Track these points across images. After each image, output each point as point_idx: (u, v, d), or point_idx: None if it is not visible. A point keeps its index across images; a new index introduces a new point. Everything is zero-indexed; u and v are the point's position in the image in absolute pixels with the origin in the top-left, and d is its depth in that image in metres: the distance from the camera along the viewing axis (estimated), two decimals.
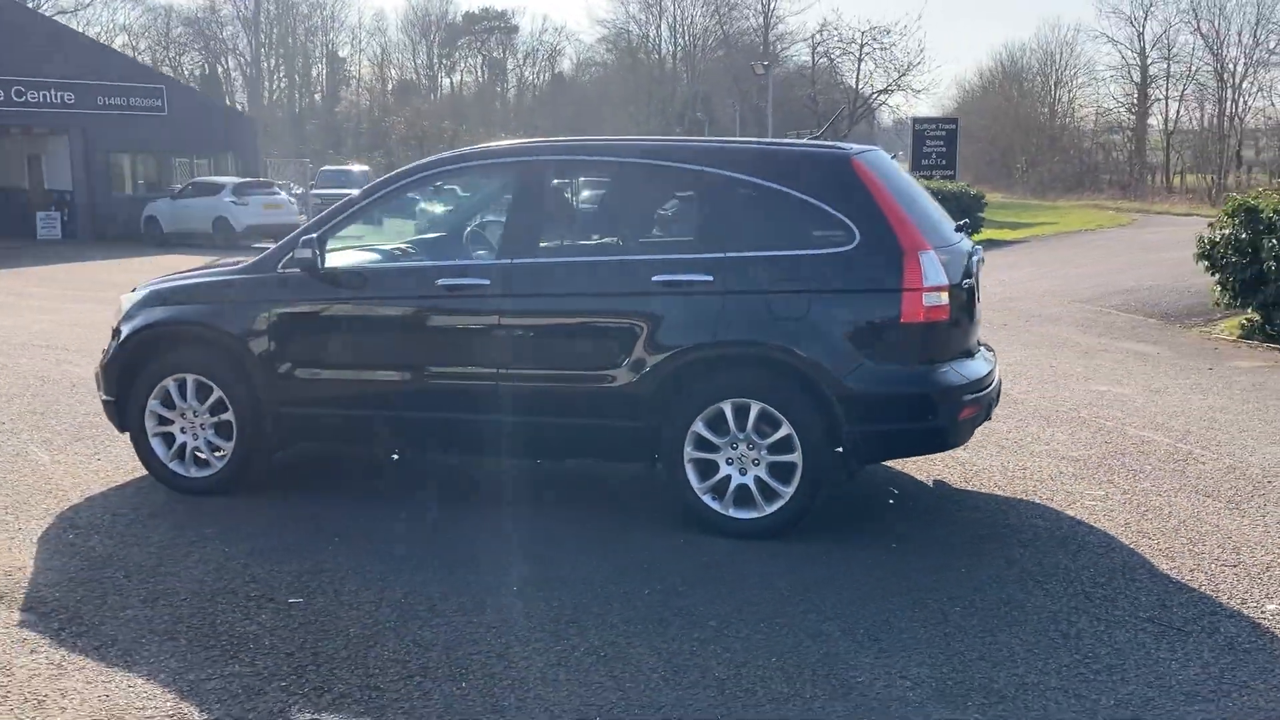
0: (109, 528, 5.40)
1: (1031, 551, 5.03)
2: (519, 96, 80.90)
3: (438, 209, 7.08)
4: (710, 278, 5.13)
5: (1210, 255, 11.80)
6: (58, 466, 6.46)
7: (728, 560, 4.91)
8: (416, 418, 5.60)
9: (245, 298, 5.79)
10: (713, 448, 5.19)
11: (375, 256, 6.02)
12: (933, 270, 4.97)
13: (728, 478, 5.18)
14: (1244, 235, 11.25)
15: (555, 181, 5.60)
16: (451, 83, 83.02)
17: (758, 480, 5.14)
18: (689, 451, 5.21)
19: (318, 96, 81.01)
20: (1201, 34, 50.65)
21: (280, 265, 5.75)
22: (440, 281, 5.52)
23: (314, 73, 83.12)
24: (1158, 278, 16.30)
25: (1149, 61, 53.85)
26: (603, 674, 3.84)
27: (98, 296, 15.13)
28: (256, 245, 26.87)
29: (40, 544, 5.18)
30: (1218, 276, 11.81)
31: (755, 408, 5.09)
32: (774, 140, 6.60)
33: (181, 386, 5.86)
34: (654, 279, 5.21)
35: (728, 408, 5.13)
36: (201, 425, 5.87)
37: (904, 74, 49.04)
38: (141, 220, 28.01)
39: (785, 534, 5.14)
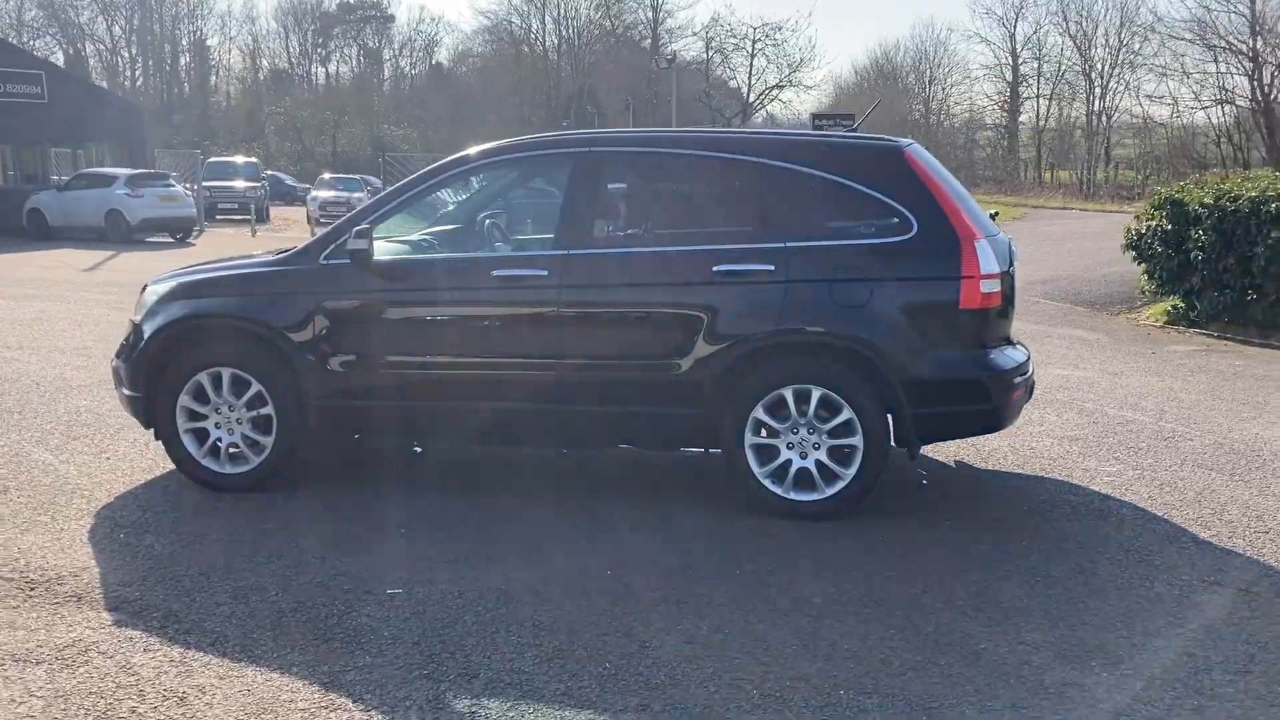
0: (158, 526, 5.27)
1: (1078, 525, 5.32)
2: (395, 87, 79.67)
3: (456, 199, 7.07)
4: (772, 267, 5.27)
5: (1137, 246, 12.45)
6: (67, 466, 6.25)
7: (800, 541, 5.06)
8: (471, 408, 5.60)
9: (288, 290, 5.70)
10: (773, 433, 5.33)
11: (403, 247, 5.98)
12: (986, 258, 5.21)
13: (788, 462, 5.33)
14: (1170, 227, 11.91)
15: (612, 172, 5.65)
16: (327, 73, 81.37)
17: (818, 464, 5.30)
18: (749, 437, 5.34)
19: (187, 86, 78.41)
20: (1070, 35, 52.94)
21: (324, 256, 5.69)
22: (496, 273, 5.53)
23: (182, 61, 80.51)
24: (1071, 268, 17.09)
25: (1020, 61, 56.13)
26: (737, 650, 3.95)
27: (7, 293, 14.51)
28: (151, 239, 26.05)
29: (93, 545, 5.03)
30: (1144, 266, 12.47)
31: (816, 393, 5.25)
32: (823, 132, 6.75)
33: (216, 380, 5.74)
34: (715, 269, 5.33)
35: (789, 394, 5.28)
36: (238, 420, 5.76)
37: (795, 70, 49.98)
38: (24, 213, 26.73)
39: (844, 515, 5.31)
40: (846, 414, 5.23)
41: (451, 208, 6.70)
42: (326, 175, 39.59)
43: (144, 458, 6.44)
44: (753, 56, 52.61)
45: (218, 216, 34.03)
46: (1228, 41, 40.05)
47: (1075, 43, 52.60)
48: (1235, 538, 5.14)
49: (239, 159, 41.08)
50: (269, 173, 44.35)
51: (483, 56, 75.26)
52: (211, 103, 75.04)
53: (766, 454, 5.36)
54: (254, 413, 5.73)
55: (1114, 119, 51.68)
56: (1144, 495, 5.77)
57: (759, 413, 5.31)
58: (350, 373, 5.64)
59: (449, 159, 5.85)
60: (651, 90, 52.51)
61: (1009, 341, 5.58)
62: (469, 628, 4.13)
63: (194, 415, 5.79)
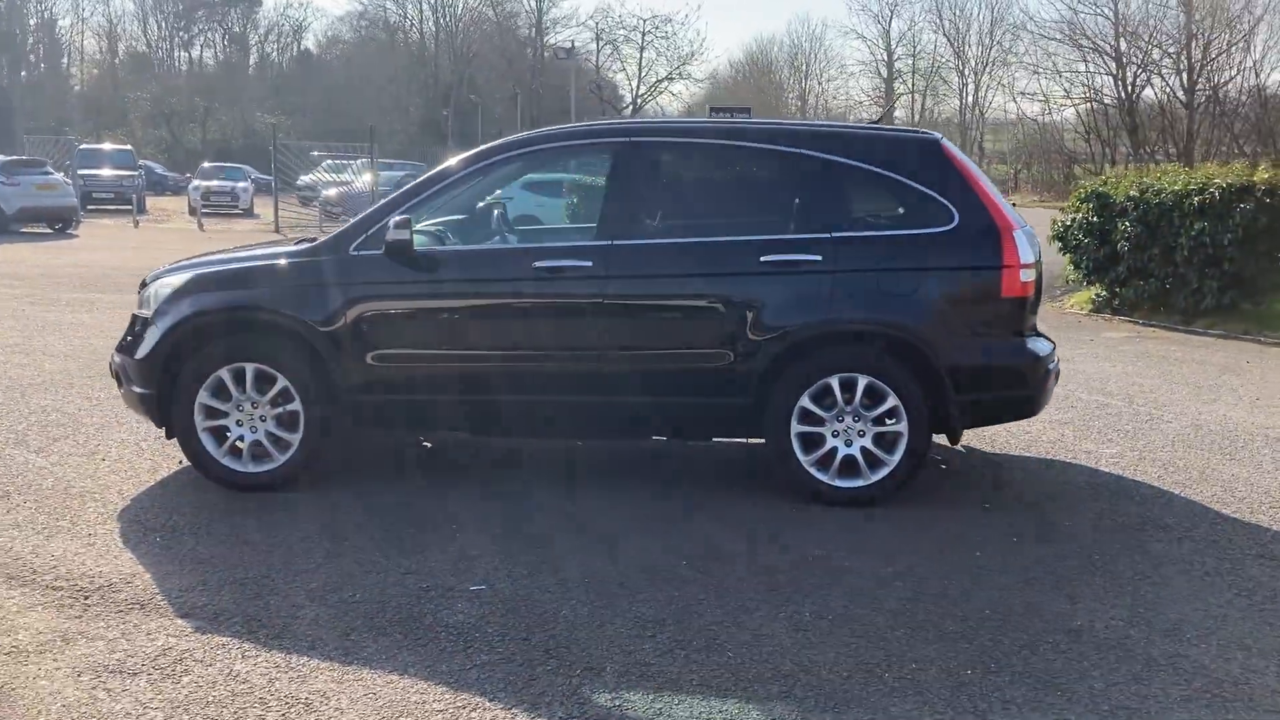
0: (192, 529, 5.05)
1: (1107, 505, 5.53)
2: (261, 74, 77.40)
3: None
4: (819, 257, 5.33)
5: (1063, 237, 12.96)
6: (62, 468, 5.93)
7: (851, 526, 5.13)
8: (511, 401, 5.52)
9: (317, 281, 5.52)
10: (819, 420, 5.40)
11: (423, 239, 5.85)
12: (1024, 248, 5.37)
13: (834, 449, 5.41)
14: (1095, 219, 12.43)
15: (653, 162, 5.63)
16: (190, 58, 78.55)
17: (864, 450, 5.39)
18: (796, 426, 5.39)
19: (42, 67, 74.69)
20: (945, 33, 54.66)
21: (354, 247, 5.53)
22: (538, 264, 5.46)
23: (29, 43, 76.64)
24: None
25: (895, 57, 57.68)
26: (847, 634, 3.99)
27: None
28: (27, 230, 24.80)
29: (132, 550, 4.79)
30: (1069, 256, 12.99)
31: (863, 381, 5.34)
32: (858, 124, 6.82)
33: (239, 376, 5.53)
34: (763, 259, 5.36)
35: (835, 382, 5.35)
36: (261, 417, 5.56)
37: (685, 62, 50.42)
38: None
39: (887, 501, 5.41)
40: (891, 401, 5.33)
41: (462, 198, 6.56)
42: (207, 164, 38.26)
43: (141, 458, 6.16)
44: (642, 49, 52.88)
45: (90, 207, 32.50)
46: (1094, 43, 41.96)
47: (949, 40, 54.38)
48: (1256, 513, 5.43)
49: (108, 146, 39.34)
50: (143, 162, 42.58)
51: (352, 44, 73.61)
52: (77, 91, 71.55)
53: (812, 442, 5.42)
54: (279, 409, 5.54)
55: (987, 114, 53.61)
56: (1153, 475, 6.04)
57: (805, 401, 5.37)
58: (386, 366, 5.50)
59: (485, 148, 5.74)
60: (538, 81, 52.21)
61: (1037, 331, 5.76)
62: (574, 621, 4.09)
63: (212, 413, 5.56)
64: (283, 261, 5.65)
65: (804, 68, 66.80)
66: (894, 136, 5.73)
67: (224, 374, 5.52)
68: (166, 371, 5.56)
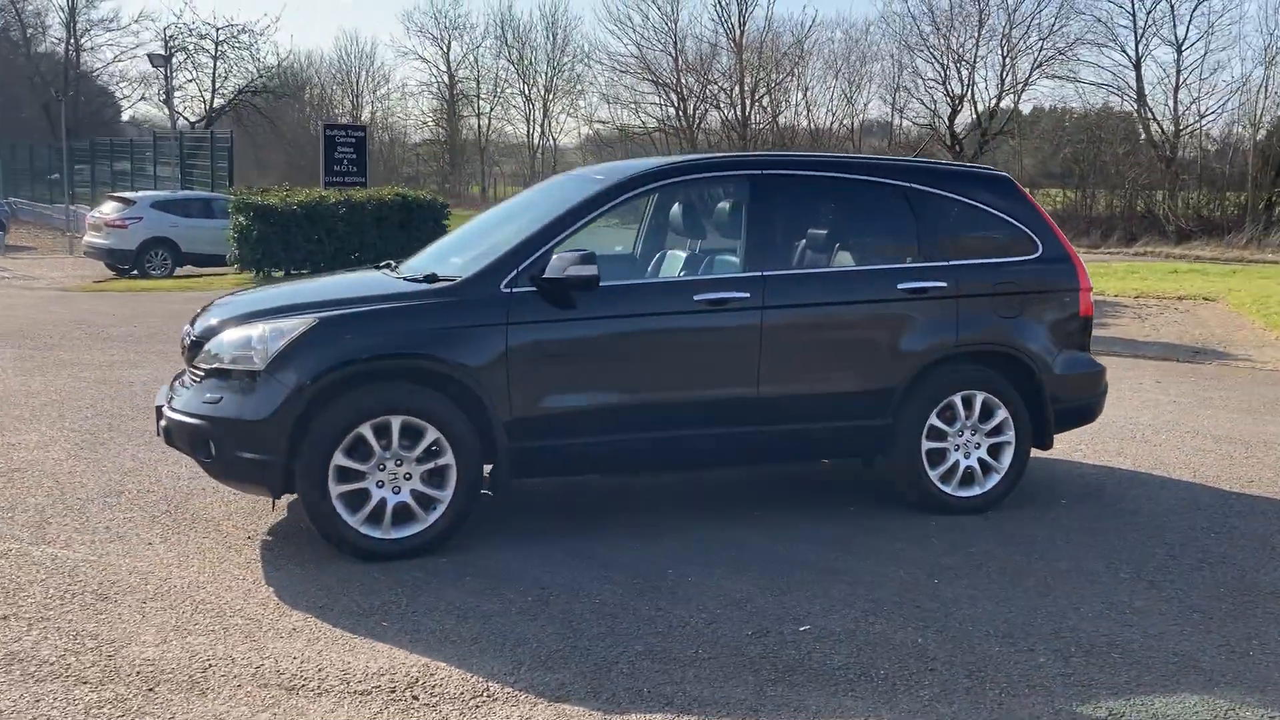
0: (411, 609, 4.48)
1: (1154, 493, 6.35)
2: None
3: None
4: (945, 284, 5.75)
5: None
6: (182, 566, 4.96)
7: (952, 532, 5.56)
8: (676, 436, 5.39)
9: (469, 322, 5.05)
10: (943, 436, 5.81)
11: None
12: (1087, 273, 6.13)
13: (956, 463, 5.84)
14: None
15: (790, 194, 5.70)
16: None
17: (980, 461, 5.88)
18: (925, 443, 5.76)
19: None
20: (510, 59, 56.09)
21: (505, 284, 5.12)
22: (699, 296, 5.38)
23: None
24: None
25: (458, 80, 58.19)
26: (1060, 633, 4.44)
27: None
28: None
29: (388, 640, 4.19)
30: None
31: (980, 397, 5.83)
32: (948, 161, 7.10)
33: (382, 431, 4.93)
34: (900, 286, 5.68)
35: (958, 399, 5.80)
36: (407, 475, 4.99)
37: (268, 76, 47.96)
38: None
39: (992, 508, 5.92)
40: (1002, 414, 5.86)
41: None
42: None
43: (226, 534, 5.30)
44: (216, 58, 49.45)
45: None
46: (656, 76, 45.31)
47: (516, 67, 55.89)
48: None
49: None
50: None
51: None
52: None
53: (936, 457, 5.81)
54: (427, 465, 5.00)
55: (559, 139, 55.73)
56: (1185, 467, 6.96)
57: (934, 419, 5.76)
58: (550, 409, 5.17)
59: (627, 179, 5.51)
60: (71, 89, 46.76)
61: None
62: (736, 639, 4.25)
63: (347, 474, 4.91)
64: (423, 302, 5.09)
65: (354, 85, 65.46)
66: (975, 171, 6.29)
67: (365, 430, 4.89)
68: (297, 432, 4.82)
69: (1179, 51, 33.57)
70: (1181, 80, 33.71)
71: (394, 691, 3.78)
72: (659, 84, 45.33)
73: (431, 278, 5.31)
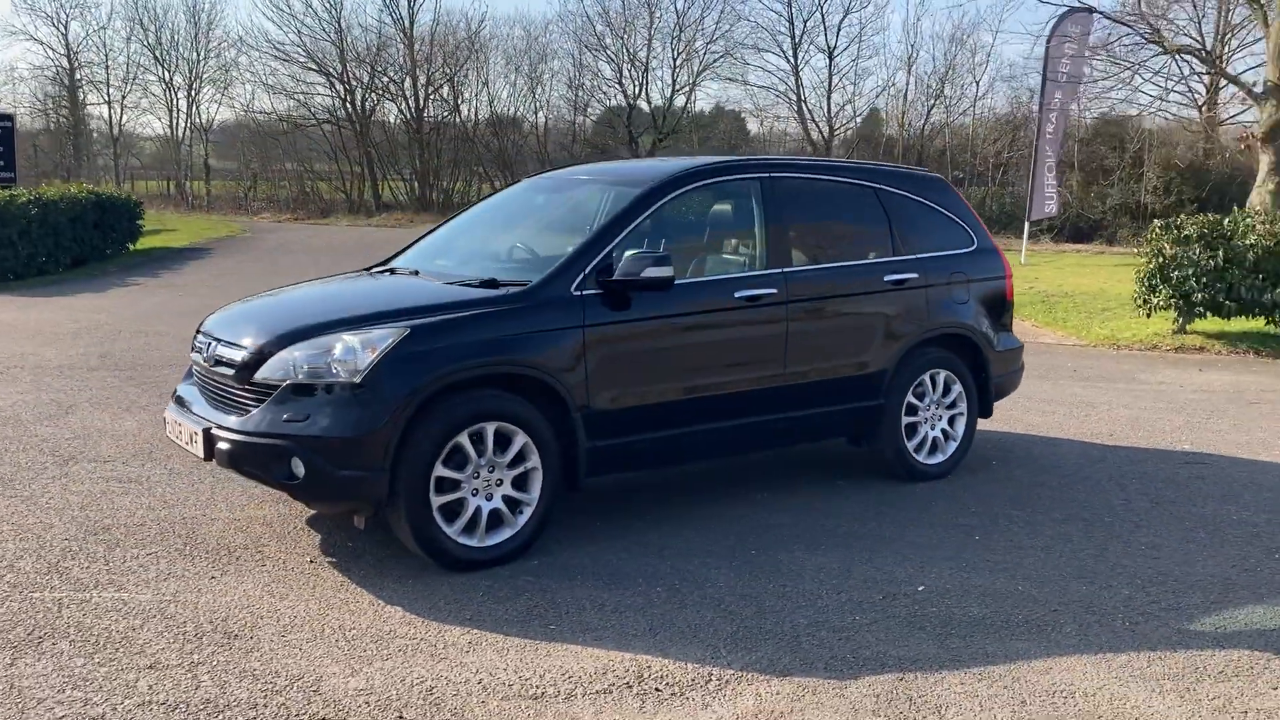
0: (572, 603, 4.53)
1: (1063, 460, 7.39)
2: None
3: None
4: (916, 275, 6.40)
5: None
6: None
7: (947, 495, 6.33)
8: (721, 427, 5.67)
9: (550, 325, 5.10)
10: (916, 411, 6.48)
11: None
12: (1008, 262, 7.01)
13: (926, 435, 6.53)
14: None
15: (793, 195, 6.06)
16: None
17: (943, 431, 6.61)
18: (904, 418, 6.41)
19: None
20: (144, 42, 51.81)
21: (575, 286, 5.21)
22: (739, 293, 5.68)
23: None
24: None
25: (79, 64, 53.09)
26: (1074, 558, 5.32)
27: None
28: None
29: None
30: None
31: (942, 375, 6.56)
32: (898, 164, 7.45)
33: (477, 439, 4.90)
34: (885, 278, 6.27)
35: (927, 378, 6.49)
36: (498, 481, 4.99)
37: None
38: None
39: (952, 473, 6.67)
40: (958, 389, 6.63)
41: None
42: None
43: (284, 561, 4.99)
44: None
45: None
46: (321, 66, 43.71)
47: (152, 52, 51.74)
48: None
49: None
50: None
51: None
52: None
53: (910, 430, 6.47)
54: (517, 470, 5.03)
55: (211, 128, 52.08)
56: (1171, 438, 8.06)
57: (910, 397, 6.42)
58: (622, 407, 5.32)
59: (660, 182, 5.67)
60: None
61: None
62: (874, 604, 4.83)
63: (445, 485, 4.85)
64: (505, 307, 5.07)
65: None
66: (920, 173, 7.00)
67: (463, 438, 4.85)
68: (401, 444, 4.70)
69: (830, 58, 36.94)
70: (834, 84, 37.15)
71: (631, 686, 3.89)
72: (326, 74, 43.83)
73: (491, 282, 5.29)
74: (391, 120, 44.00)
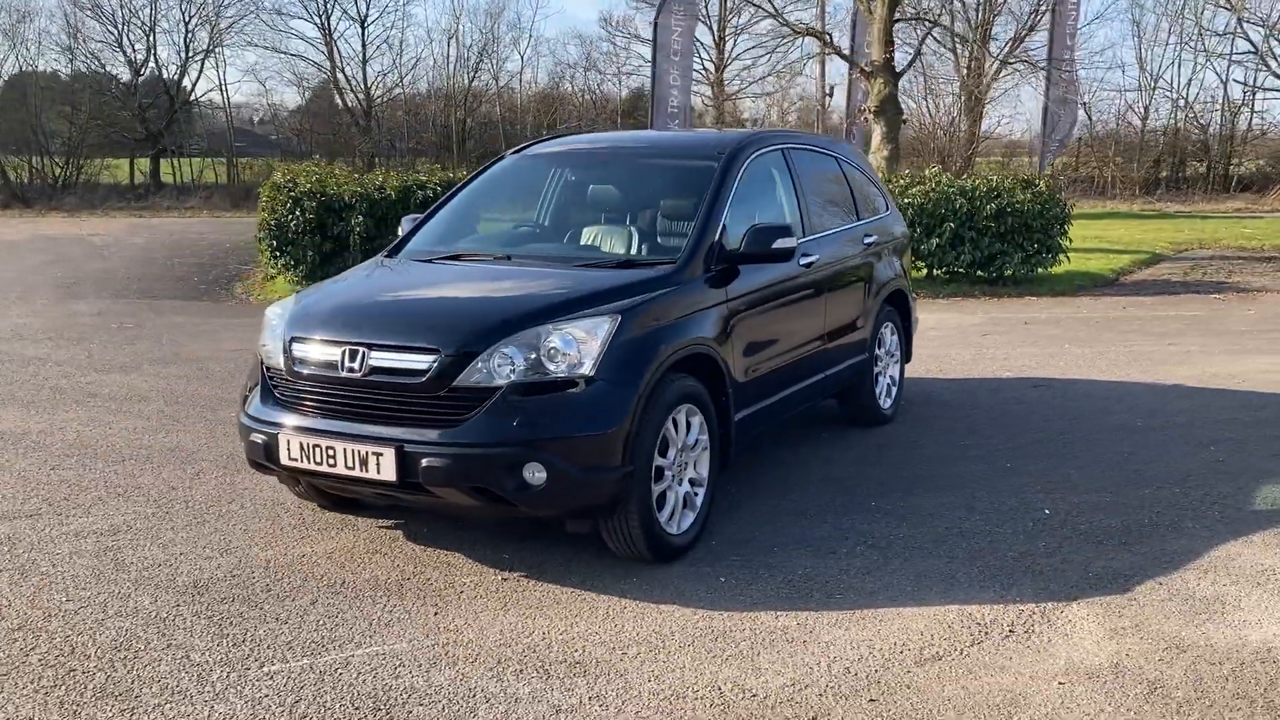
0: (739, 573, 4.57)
1: (983, 398, 8.22)
2: None
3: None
4: (877, 237, 6.94)
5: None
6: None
7: (926, 433, 7.01)
8: (799, 389, 5.89)
9: (710, 302, 5.04)
10: (878, 362, 7.05)
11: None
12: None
13: (884, 383, 7.13)
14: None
15: (800, 164, 6.18)
16: None
17: (891, 378, 7.26)
18: (875, 368, 6.96)
19: None
20: None
21: (713, 261, 5.14)
22: (801, 261, 5.84)
23: None
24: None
25: None
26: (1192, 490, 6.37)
27: None
28: None
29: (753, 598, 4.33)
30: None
31: (888, 328, 7.19)
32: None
33: (675, 423, 4.74)
34: (865, 240, 6.74)
35: (886, 330, 7.09)
36: (684, 464, 4.86)
37: None
38: None
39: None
40: (894, 338, 7.30)
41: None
42: None
43: (362, 529, 4.45)
44: None
45: None
46: None
47: None
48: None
49: None
50: None
51: None
52: None
53: (875, 380, 7.03)
54: (697, 451, 4.92)
55: None
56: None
57: (877, 349, 6.97)
58: (754, 378, 5.37)
59: (732, 152, 5.66)
60: None
61: None
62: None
63: (659, 474, 4.67)
64: (673, 287, 4.88)
65: None
66: (847, 145, 7.51)
67: (668, 424, 4.67)
68: (637, 437, 4.43)
69: (363, 27, 35.93)
70: (369, 55, 36.21)
71: (989, 632, 4.08)
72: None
73: (629, 263, 5.04)
74: None
